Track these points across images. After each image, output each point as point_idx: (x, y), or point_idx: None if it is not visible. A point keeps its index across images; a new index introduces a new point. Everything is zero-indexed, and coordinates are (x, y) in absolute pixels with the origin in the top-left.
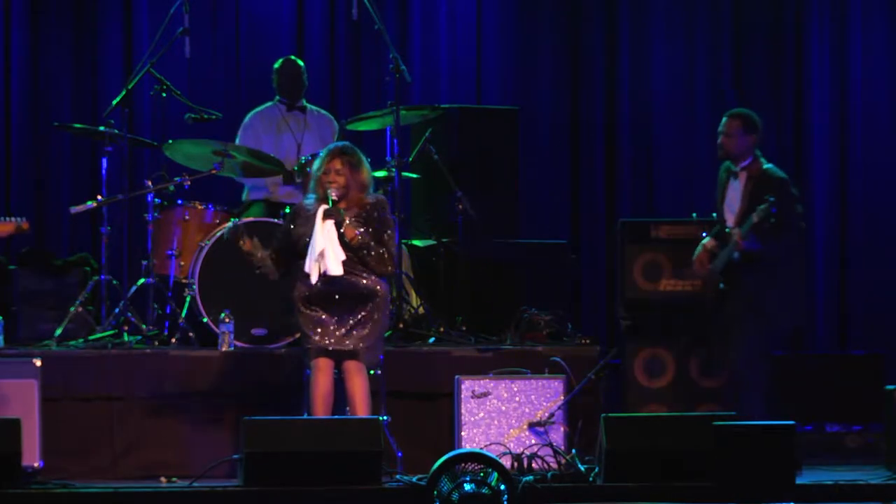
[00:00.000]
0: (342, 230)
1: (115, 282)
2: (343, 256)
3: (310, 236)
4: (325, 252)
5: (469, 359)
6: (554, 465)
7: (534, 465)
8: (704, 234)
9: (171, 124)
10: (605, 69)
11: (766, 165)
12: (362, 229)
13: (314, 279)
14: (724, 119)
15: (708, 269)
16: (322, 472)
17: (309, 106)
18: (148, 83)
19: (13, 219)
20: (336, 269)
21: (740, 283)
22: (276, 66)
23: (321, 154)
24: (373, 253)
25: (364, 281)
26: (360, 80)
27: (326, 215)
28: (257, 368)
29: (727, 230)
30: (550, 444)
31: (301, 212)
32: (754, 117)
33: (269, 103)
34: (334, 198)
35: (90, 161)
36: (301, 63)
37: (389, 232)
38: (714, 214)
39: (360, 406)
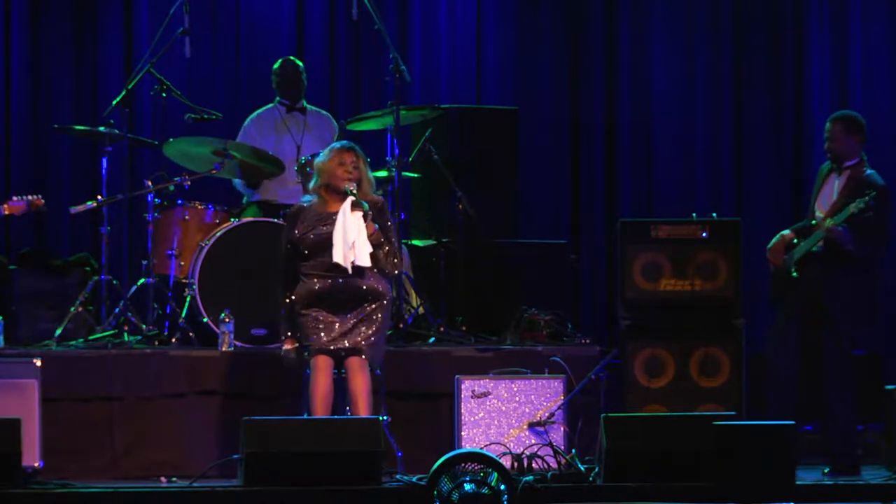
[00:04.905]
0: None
1: (115, 282)
2: (371, 249)
3: (330, 228)
4: (357, 243)
5: (469, 359)
6: (554, 465)
7: (534, 465)
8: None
9: (171, 124)
10: (605, 69)
11: (869, 171)
12: (377, 226)
13: (348, 269)
14: (826, 124)
15: (783, 258)
16: (322, 472)
17: (309, 107)
18: (148, 83)
19: (26, 197)
20: (366, 261)
21: (818, 276)
22: (276, 66)
23: (326, 151)
24: (384, 250)
25: (368, 281)
26: (360, 80)
27: (355, 207)
28: (257, 368)
29: (813, 222)
30: (550, 444)
31: (301, 212)
32: (857, 118)
33: (268, 105)
34: (354, 191)
35: (90, 161)
36: (300, 63)
37: (393, 231)
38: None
39: (362, 403)
